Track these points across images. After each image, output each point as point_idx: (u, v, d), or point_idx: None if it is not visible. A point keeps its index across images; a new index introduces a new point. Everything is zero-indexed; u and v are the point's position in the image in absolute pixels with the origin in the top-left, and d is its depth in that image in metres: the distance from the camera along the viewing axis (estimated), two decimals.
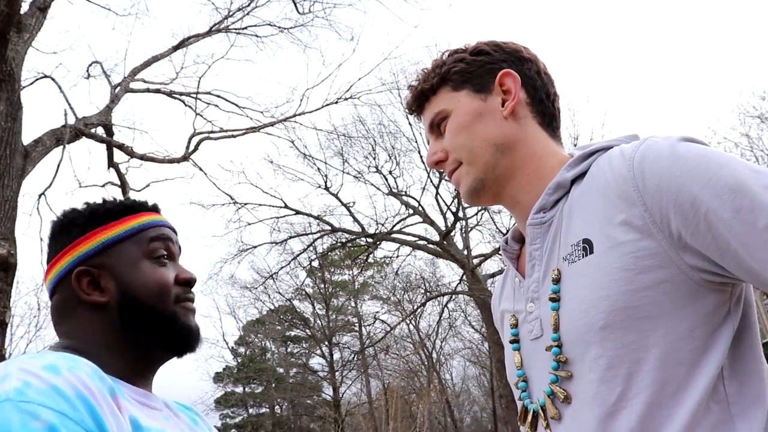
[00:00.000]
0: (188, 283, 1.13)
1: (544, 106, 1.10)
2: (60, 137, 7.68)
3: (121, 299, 1.05)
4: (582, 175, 1.01)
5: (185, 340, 1.09)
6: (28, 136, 7.06)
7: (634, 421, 0.87)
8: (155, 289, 1.07)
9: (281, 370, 28.33)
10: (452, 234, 16.69)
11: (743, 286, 0.93)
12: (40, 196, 8.54)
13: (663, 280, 0.88)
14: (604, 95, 36.89)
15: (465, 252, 16.90)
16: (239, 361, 28.70)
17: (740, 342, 0.91)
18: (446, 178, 1.15)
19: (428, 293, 19.85)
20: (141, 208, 1.15)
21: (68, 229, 1.10)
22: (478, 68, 1.10)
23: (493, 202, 1.13)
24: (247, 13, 10.98)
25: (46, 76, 8.64)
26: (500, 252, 1.18)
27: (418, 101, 1.15)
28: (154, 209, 1.18)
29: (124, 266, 1.07)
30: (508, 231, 1.18)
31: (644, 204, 0.88)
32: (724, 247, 0.83)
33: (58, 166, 7.98)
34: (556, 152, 1.09)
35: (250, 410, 28.71)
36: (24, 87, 7.22)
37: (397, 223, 17.06)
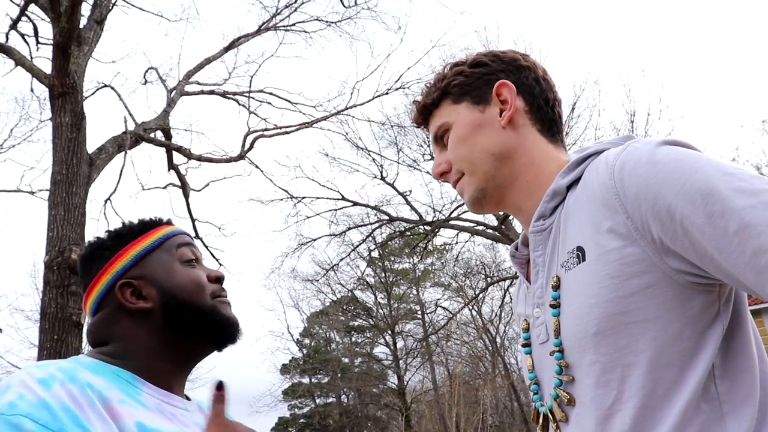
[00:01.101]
0: (219, 279, 1.22)
1: (543, 112, 1.12)
2: (121, 143, 7.98)
3: (164, 302, 1.14)
4: (577, 181, 1.03)
5: (226, 330, 1.18)
6: (92, 145, 7.39)
7: (627, 424, 0.89)
8: (192, 287, 1.16)
9: (346, 360, 28.69)
10: (510, 218, 16.53)
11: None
12: (106, 201, 8.92)
13: (649, 284, 0.89)
14: (661, 68, 35.50)
15: None
16: (305, 352, 29.20)
17: (732, 340, 0.91)
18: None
19: (489, 278, 19.75)
20: (159, 223, 1.25)
21: (98, 253, 1.19)
22: (476, 80, 1.12)
23: (497, 209, 1.16)
24: (295, 10, 11.13)
25: (106, 86, 8.97)
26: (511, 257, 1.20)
27: (423, 115, 1.19)
28: (169, 223, 1.27)
29: (160, 272, 1.16)
30: None
31: (626, 212, 0.90)
32: (701, 251, 0.84)
33: (121, 171, 8.32)
34: (555, 158, 1.10)
35: (317, 400, 29.19)
36: (86, 98, 7.53)
37: (455, 209, 16.99)
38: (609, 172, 0.93)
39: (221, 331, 1.17)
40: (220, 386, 1.06)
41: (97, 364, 1.06)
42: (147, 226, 1.23)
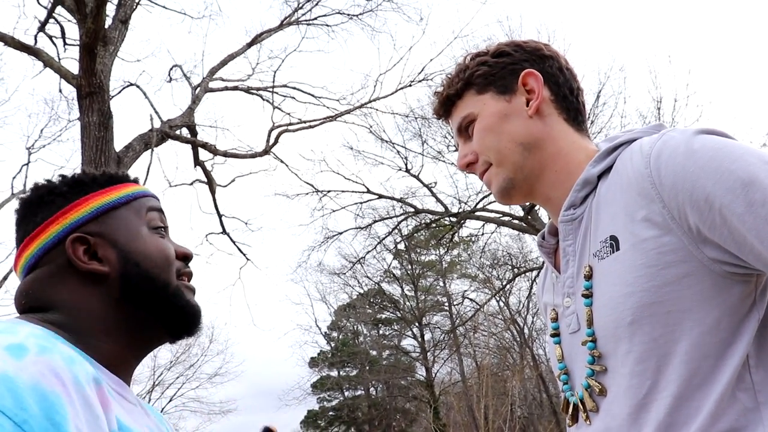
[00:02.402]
0: (187, 257, 1.06)
1: (569, 101, 1.11)
2: (148, 141, 8.07)
3: (123, 269, 0.96)
4: (608, 170, 1.02)
5: (187, 318, 1.02)
6: (119, 143, 7.49)
7: (662, 414, 0.89)
8: (159, 259, 0.99)
9: (374, 353, 28.75)
10: (537, 208, 16.41)
11: None
12: None
13: (686, 274, 0.88)
14: (688, 54, 34.69)
15: None
16: (333, 345, 29.33)
17: (767, 330, 0.90)
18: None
19: (516, 269, 19.66)
20: (126, 179, 1.07)
21: (50, 198, 0.99)
22: (500, 70, 1.11)
23: (525, 200, 1.15)
24: (316, 4, 11.16)
25: (131, 84, 9.07)
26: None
27: (445, 107, 1.18)
28: (137, 182, 1.09)
29: (124, 234, 0.98)
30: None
31: (662, 201, 0.89)
32: (740, 240, 0.83)
33: (149, 168, 8.37)
34: (582, 147, 1.09)
35: (346, 393, 29.32)
36: (113, 97, 7.63)
37: (480, 200, 16.89)
38: (645, 160, 0.92)
39: (183, 318, 1.00)
40: None
41: (50, 334, 0.83)
42: (113, 179, 1.03)
